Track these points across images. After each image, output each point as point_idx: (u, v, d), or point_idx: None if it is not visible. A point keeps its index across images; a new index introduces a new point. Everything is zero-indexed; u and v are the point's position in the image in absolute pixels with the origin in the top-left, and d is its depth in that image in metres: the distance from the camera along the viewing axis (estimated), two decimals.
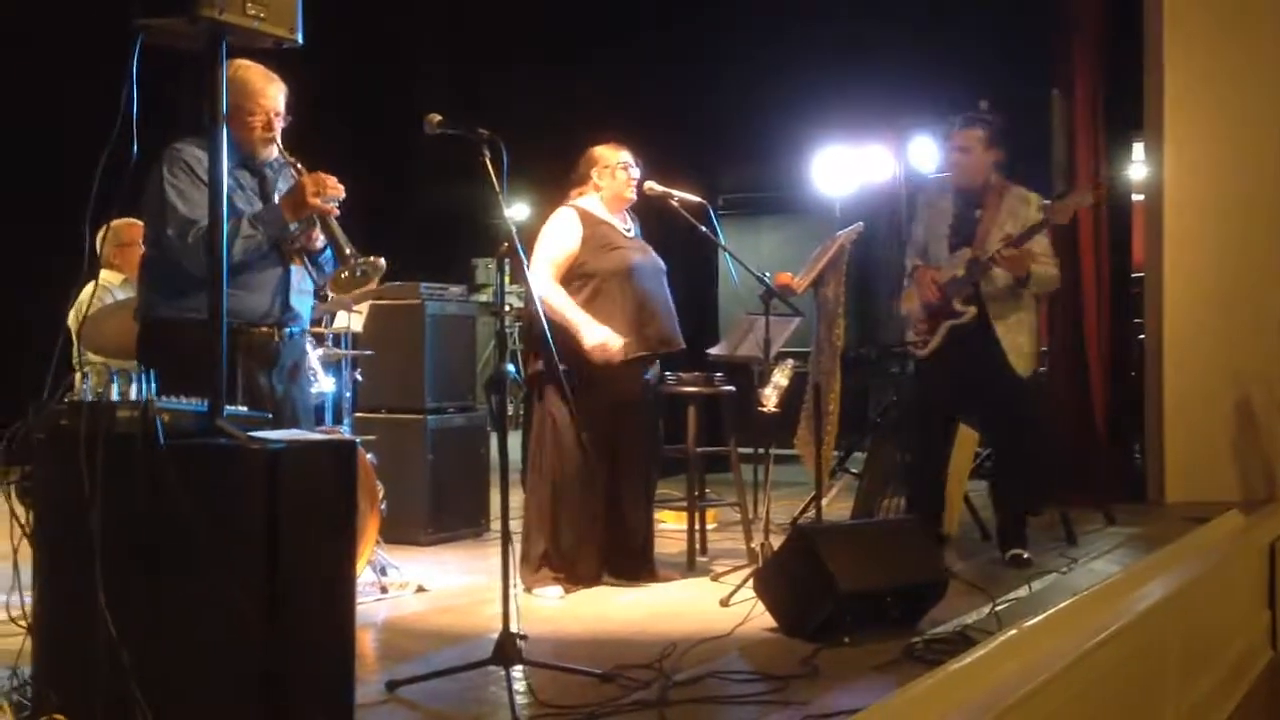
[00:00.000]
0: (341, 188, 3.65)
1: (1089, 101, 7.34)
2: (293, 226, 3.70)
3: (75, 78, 7.60)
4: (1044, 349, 6.86)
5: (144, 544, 2.73)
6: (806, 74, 9.05)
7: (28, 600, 2.90)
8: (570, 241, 4.89)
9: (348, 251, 3.66)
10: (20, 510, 2.97)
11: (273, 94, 3.80)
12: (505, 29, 10.06)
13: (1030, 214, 5.38)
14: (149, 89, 2.94)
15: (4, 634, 3.66)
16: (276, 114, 3.81)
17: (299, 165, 3.76)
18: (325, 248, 3.78)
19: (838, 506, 6.66)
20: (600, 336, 4.78)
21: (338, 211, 3.67)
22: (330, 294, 3.78)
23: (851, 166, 8.16)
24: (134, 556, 2.73)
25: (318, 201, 3.62)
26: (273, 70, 3.83)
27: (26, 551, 2.92)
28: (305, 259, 3.82)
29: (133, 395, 2.83)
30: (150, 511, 2.73)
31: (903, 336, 5.83)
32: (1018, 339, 5.38)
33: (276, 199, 3.77)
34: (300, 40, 3.07)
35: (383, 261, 3.68)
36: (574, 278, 4.88)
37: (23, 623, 2.95)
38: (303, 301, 3.88)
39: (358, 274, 3.68)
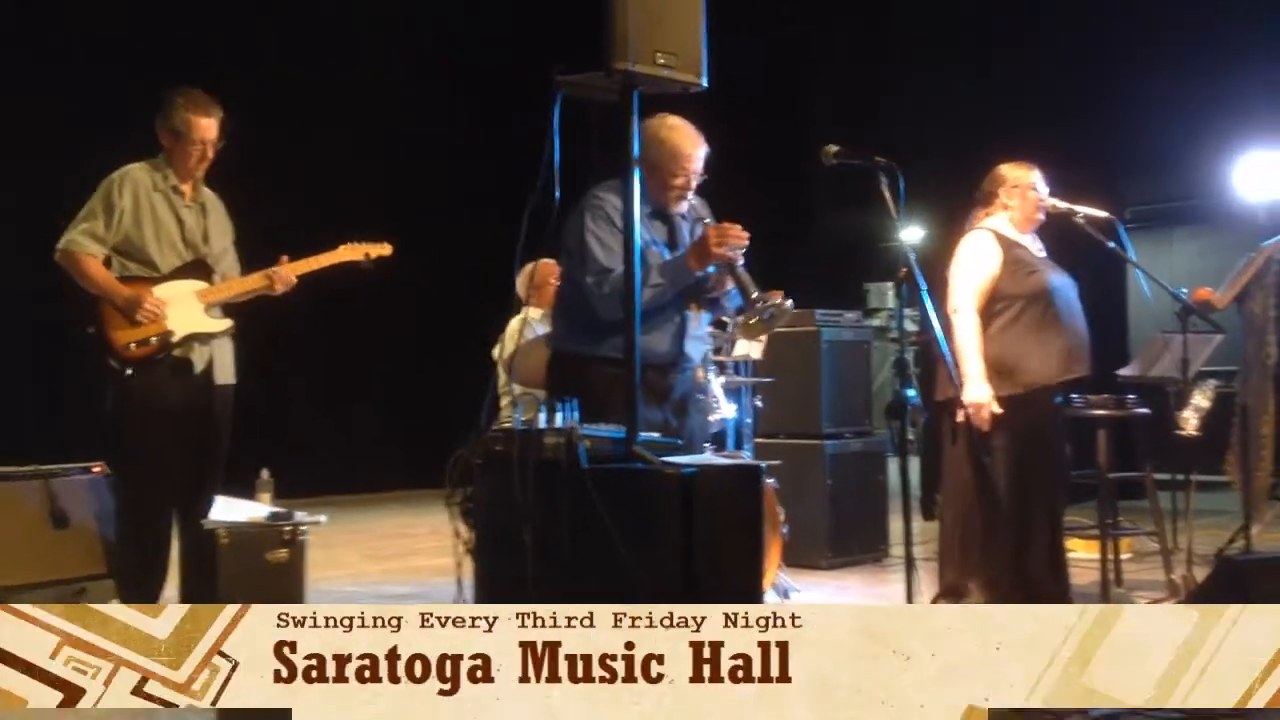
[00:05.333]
0: (746, 236, 3.67)
1: None
2: (698, 274, 3.77)
3: (499, 133, 8.28)
4: None
5: (572, 559, 2.94)
6: (1226, 70, 8.43)
7: None
8: (990, 265, 4.73)
9: (754, 296, 3.69)
10: (463, 529, 3.26)
11: (698, 157, 3.86)
12: (897, 43, 10.05)
13: None
14: (572, 140, 3.18)
15: None
16: (697, 174, 3.88)
17: (709, 219, 3.88)
18: (729, 290, 3.88)
19: (1271, 537, 6.14)
20: (978, 397, 4.60)
21: (741, 259, 3.70)
22: (739, 338, 3.84)
23: (1277, 170, 7.51)
24: (563, 571, 2.94)
25: (722, 251, 3.66)
26: (670, 106, 3.96)
27: (468, 567, 3.22)
28: (706, 305, 3.92)
29: (557, 423, 3.06)
30: (576, 529, 2.94)
31: None
32: None
33: (682, 249, 3.87)
34: (705, 85, 3.22)
35: (790, 304, 3.69)
36: (994, 302, 4.72)
37: None
38: (696, 347, 4.00)
39: (765, 317, 3.72)
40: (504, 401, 5.20)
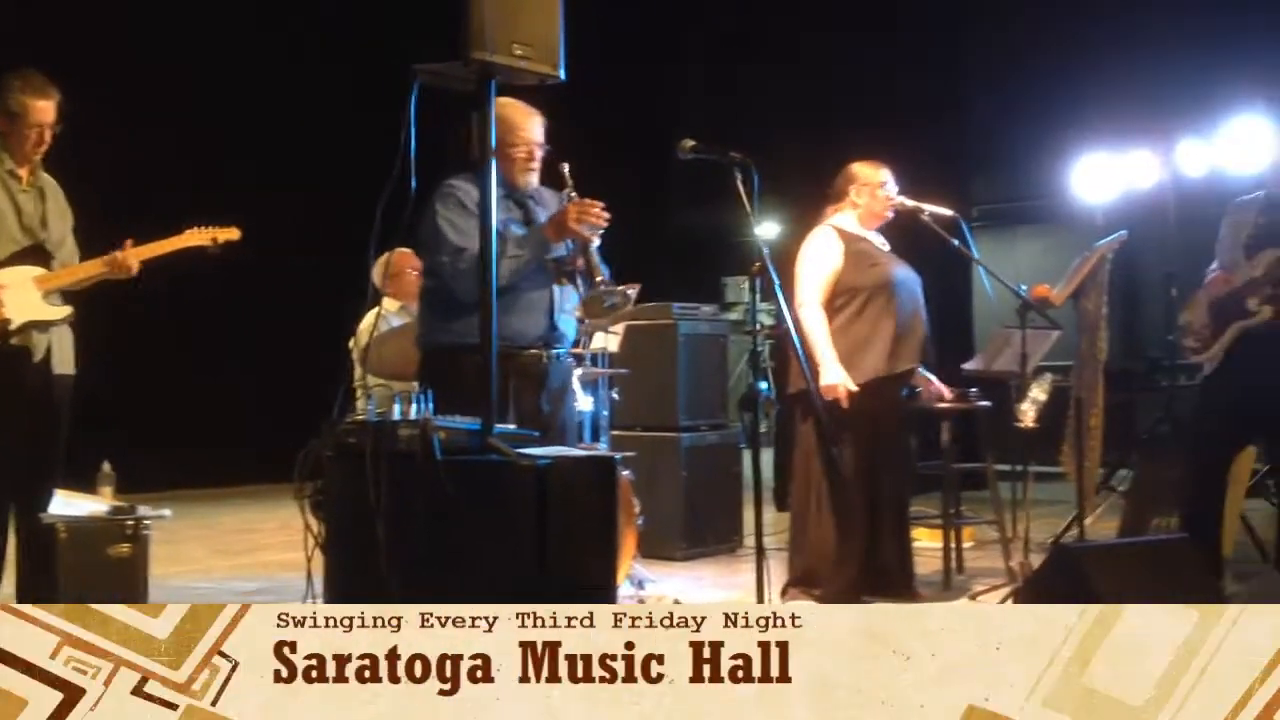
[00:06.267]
0: (606, 216, 3.73)
1: None
2: (556, 249, 3.81)
3: (357, 121, 8.15)
4: None
5: (425, 552, 2.93)
6: (1065, 77, 8.78)
7: None
8: (833, 260, 4.89)
9: (598, 279, 3.76)
10: (313, 523, 3.22)
11: (532, 127, 3.94)
12: (755, 44, 10.19)
13: None
14: (425, 131, 3.16)
15: None
16: (537, 145, 3.95)
17: (574, 193, 3.91)
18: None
19: (1103, 526, 6.42)
20: (833, 379, 4.73)
21: (597, 240, 3.77)
22: (583, 317, 3.89)
23: (1114, 173, 7.83)
24: (415, 564, 2.92)
25: (578, 227, 3.72)
26: (530, 99, 4.00)
27: (319, 562, 3.17)
28: (575, 279, 3.94)
29: (413, 415, 3.04)
30: (430, 522, 2.93)
31: (1173, 349, 5.56)
32: None
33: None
34: (563, 77, 3.24)
35: (632, 292, 3.77)
36: (837, 295, 4.88)
37: None
38: (567, 322, 4.02)
39: (605, 304, 3.77)
40: (360, 395, 5.13)
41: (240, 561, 6.45)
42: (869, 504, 4.92)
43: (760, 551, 3.62)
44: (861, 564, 4.94)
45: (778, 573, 4.91)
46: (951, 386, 5.51)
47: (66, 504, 3.33)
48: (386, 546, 2.92)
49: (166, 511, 3.31)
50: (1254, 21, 7.71)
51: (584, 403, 5.45)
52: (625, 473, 5.02)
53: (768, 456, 8.30)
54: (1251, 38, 7.75)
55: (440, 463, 2.92)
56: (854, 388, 4.71)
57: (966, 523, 6.03)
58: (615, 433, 6.10)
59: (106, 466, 3.48)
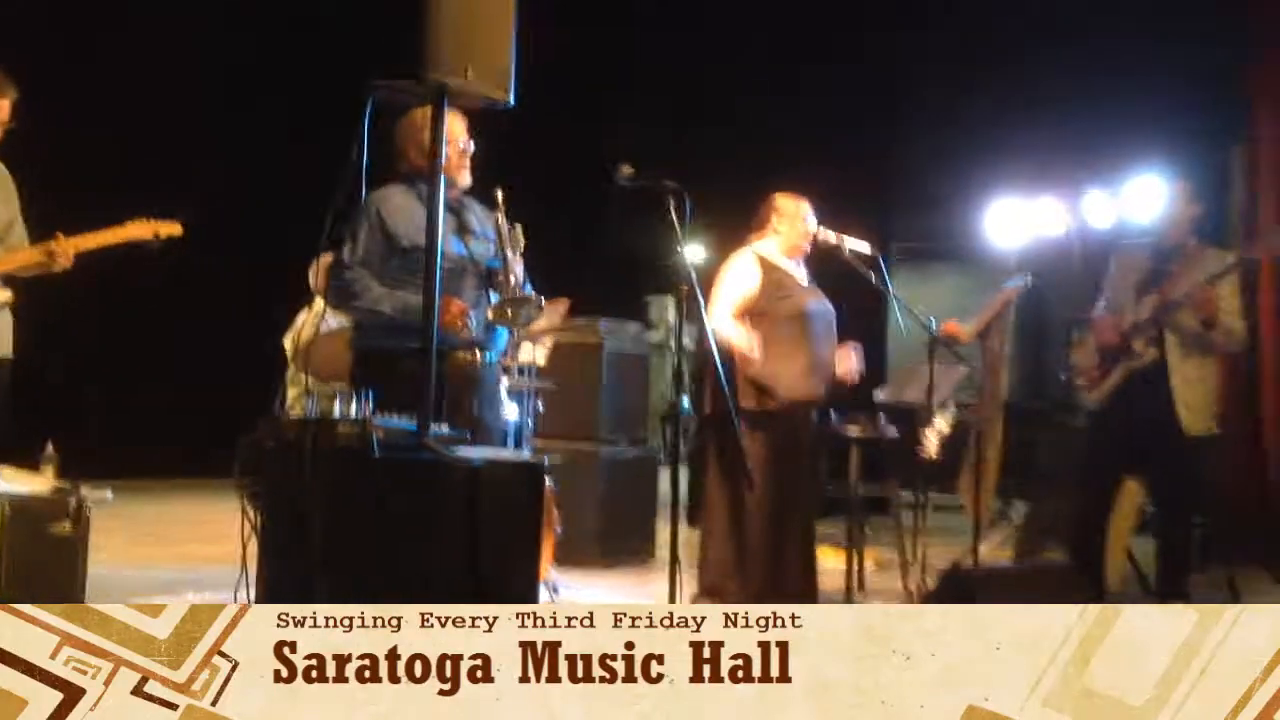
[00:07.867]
0: (469, 328, 3.83)
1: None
2: (491, 260, 3.94)
3: (300, 134, 8.23)
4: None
5: (359, 545, 3.07)
6: (982, 124, 9.13)
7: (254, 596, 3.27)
8: (749, 284, 5.08)
9: (504, 299, 3.86)
10: (250, 513, 3.34)
11: (457, 128, 3.97)
12: (683, 74, 10.43)
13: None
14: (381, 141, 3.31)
15: None
16: (461, 141, 3.99)
17: (505, 222, 4.03)
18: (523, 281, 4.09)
19: (1000, 555, 6.68)
20: (745, 344, 4.89)
21: (520, 265, 3.91)
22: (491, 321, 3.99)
23: (1024, 219, 8.18)
24: (350, 556, 3.06)
25: (449, 325, 3.75)
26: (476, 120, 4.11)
27: (253, 552, 3.29)
28: (495, 289, 4.02)
29: (352, 413, 3.18)
30: (365, 516, 3.07)
31: (1070, 390, 5.83)
32: (1193, 395, 5.23)
33: (480, 234, 4.03)
34: (511, 101, 3.41)
35: (561, 307, 3.84)
36: (750, 317, 5.05)
37: None
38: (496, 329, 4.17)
39: (520, 317, 3.90)
40: (291, 392, 5.24)
41: (175, 551, 6.48)
42: (776, 523, 5.12)
43: (675, 561, 3.78)
44: (764, 579, 5.14)
45: (687, 583, 5.09)
46: (862, 414, 5.74)
47: (7, 483, 3.41)
48: (321, 541, 3.05)
49: (108, 494, 3.41)
50: (1157, 84, 8.11)
51: (511, 411, 5.59)
52: (547, 481, 5.17)
53: (684, 474, 8.47)
54: (1153, 101, 8.14)
55: (377, 460, 3.06)
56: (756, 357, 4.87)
57: (869, 545, 6.25)
58: (538, 442, 6.25)
59: (50, 448, 3.57)
